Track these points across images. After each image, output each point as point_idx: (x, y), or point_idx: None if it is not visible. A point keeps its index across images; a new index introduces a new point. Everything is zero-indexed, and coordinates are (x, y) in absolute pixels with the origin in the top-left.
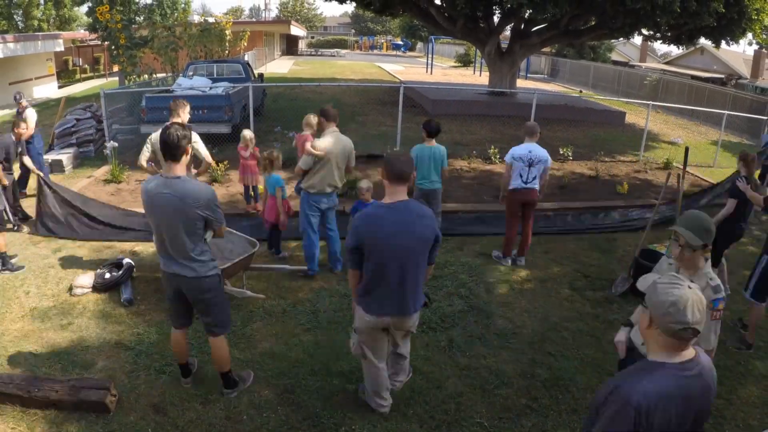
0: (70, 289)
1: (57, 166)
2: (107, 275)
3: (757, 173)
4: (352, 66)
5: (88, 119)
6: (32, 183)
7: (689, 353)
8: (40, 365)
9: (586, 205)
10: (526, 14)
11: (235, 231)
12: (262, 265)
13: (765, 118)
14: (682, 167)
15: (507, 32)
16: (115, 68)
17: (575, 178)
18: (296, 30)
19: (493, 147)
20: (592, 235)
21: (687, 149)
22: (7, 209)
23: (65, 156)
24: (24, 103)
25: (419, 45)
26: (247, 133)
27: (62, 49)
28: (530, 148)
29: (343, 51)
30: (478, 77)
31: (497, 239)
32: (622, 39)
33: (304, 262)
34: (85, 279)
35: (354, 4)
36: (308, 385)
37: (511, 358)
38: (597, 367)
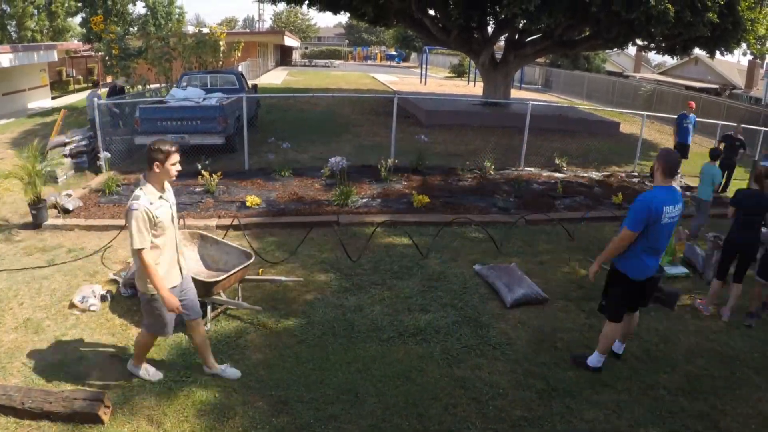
0: (71, 305)
1: (50, 178)
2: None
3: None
4: (346, 77)
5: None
6: None
7: None
8: (33, 377)
9: (579, 217)
10: (521, 24)
11: (230, 243)
12: (257, 277)
13: (759, 128)
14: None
15: (501, 42)
16: (109, 79)
17: (569, 187)
18: (290, 41)
19: (487, 161)
20: (588, 246)
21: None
22: None
23: (58, 167)
24: None
25: (413, 55)
26: None
27: (56, 59)
28: None
29: (337, 61)
30: (472, 88)
31: (491, 249)
32: (616, 49)
33: (297, 273)
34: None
35: (348, 14)
36: (302, 396)
37: (506, 369)
38: (592, 377)
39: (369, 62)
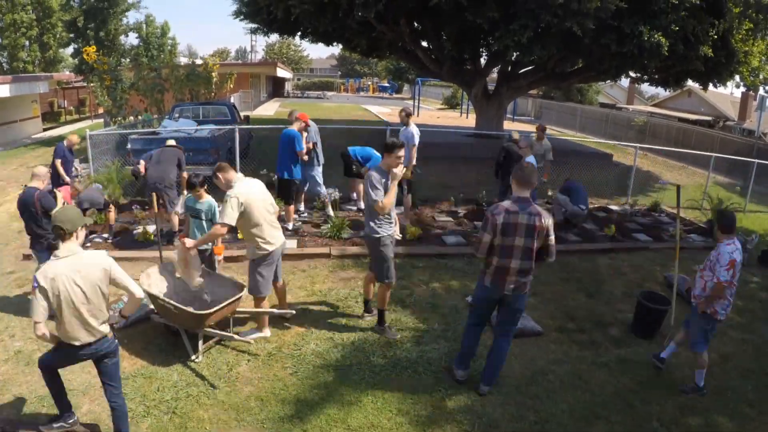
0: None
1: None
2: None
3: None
4: (339, 108)
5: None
6: None
7: None
8: (25, 409)
9: (572, 249)
10: (513, 56)
11: (223, 274)
12: (250, 309)
13: (752, 160)
14: (673, 207)
15: (494, 74)
16: (101, 110)
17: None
18: (282, 72)
19: (480, 192)
20: (582, 278)
21: (679, 188)
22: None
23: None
24: None
25: (406, 87)
26: None
27: (47, 90)
28: None
29: (330, 93)
30: (465, 120)
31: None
32: (609, 81)
33: (288, 305)
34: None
35: (341, 45)
36: (294, 428)
37: (499, 401)
38: (585, 409)
39: (362, 94)
